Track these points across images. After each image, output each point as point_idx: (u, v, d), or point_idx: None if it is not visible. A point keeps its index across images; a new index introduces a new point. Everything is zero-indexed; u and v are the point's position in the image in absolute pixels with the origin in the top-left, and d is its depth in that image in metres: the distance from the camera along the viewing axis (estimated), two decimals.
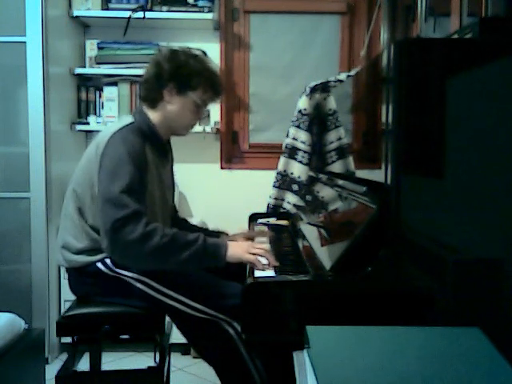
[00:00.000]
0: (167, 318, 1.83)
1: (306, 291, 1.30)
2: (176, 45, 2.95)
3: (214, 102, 1.87)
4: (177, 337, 1.94)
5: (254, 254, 1.62)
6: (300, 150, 2.54)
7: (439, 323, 1.19)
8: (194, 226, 2.14)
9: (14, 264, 2.64)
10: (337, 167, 1.93)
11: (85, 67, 3.01)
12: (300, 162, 2.54)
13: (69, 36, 2.90)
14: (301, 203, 2.42)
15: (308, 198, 2.30)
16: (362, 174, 1.60)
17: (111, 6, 2.91)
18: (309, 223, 1.98)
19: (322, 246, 1.62)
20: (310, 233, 1.82)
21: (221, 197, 3.11)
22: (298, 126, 2.53)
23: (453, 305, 1.22)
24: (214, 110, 2.96)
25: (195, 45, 2.93)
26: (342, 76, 2.44)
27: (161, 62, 1.77)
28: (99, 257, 1.71)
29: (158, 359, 1.84)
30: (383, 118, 1.28)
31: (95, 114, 3.00)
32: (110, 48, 2.96)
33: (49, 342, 2.64)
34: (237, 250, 1.64)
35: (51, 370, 2.11)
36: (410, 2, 2.27)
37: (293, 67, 3.14)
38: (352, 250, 1.32)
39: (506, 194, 1.24)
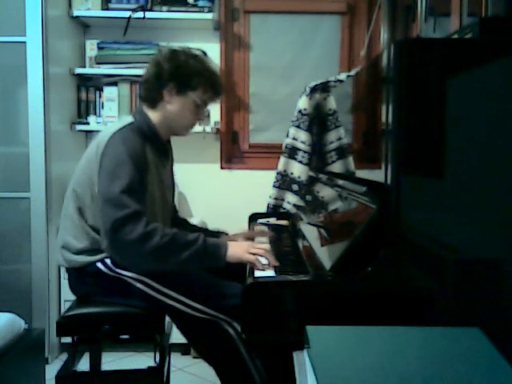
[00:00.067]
0: (167, 318, 1.83)
1: (306, 291, 1.30)
2: (176, 45, 2.96)
3: (213, 102, 1.87)
4: (177, 337, 1.94)
5: (254, 254, 1.62)
6: (300, 149, 2.54)
7: (439, 323, 1.19)
8: (194, 226, 2.14)
9: (14, 264, 2.64)
10: (337, 167, 1.93)
11: (85, 67, 3.01)
12: (300, 162, 2.54)
13: (69, 36, 2.90)
14: (301, 203, 2.42)
15: (308, 198, 2.30)
16: (362, 174, 1.60)
17: (111, 6, 2.91)
18: (309, 223, 1.98)
19: (322, 246, 1.62)
20: (310, 233, 1.82)
21: (221, 197, 3.11)
22: (298, 126, 2.53)
23: (453, 305, 1.22)
24: (214, 110, 2.96)
25: (195, 45, 2.93)
26: (342, 76, 2.44)
27: (161, 62, 1.77)
28: (99, 257, 1.71)
29: (158, 359, 1.84)
30: (383, 118, 1.28)
31: (95, 113, 3.00)
32: (110, 48, 2.96)
33: (49, 342, 2.64)
34: (237, 250, 1.64)
35: (51, 370, 2.11)
36: (410, 2, 2.27)
37: (293, 67, 3.14)
38: (352, 250, 1.32)
39: (506, 194, 1.24)
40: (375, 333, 1.03)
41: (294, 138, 2.55)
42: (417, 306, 1.25)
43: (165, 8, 2.88)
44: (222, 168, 3.13)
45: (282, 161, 2.59)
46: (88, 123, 2.98)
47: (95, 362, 1.85)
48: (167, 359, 2.01)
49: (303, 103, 2.51)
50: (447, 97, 1.23)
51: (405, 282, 1.27)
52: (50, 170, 2.63)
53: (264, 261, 1.59)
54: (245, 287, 1.32)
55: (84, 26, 3.05)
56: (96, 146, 1.73)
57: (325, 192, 1.98)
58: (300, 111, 2.52)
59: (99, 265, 1.72)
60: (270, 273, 1.53)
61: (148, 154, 1.75)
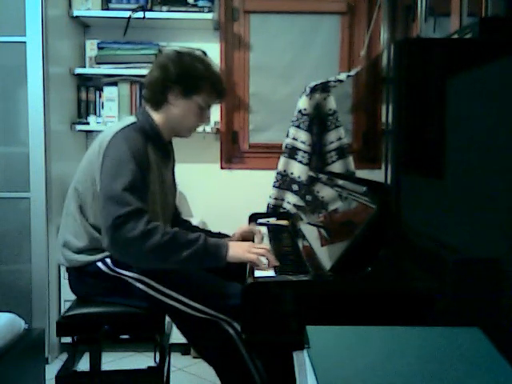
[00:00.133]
0: (167, 318, 1.83)
1: (306, 291, 1.30)
2: (176, 45, 2.98)
3: (216, 104, 1.89)
4: (177, 337, 1.94)
5: (254, 254, 1.62)
6: (300, 149, 2.54)
7: (439, 323, 1.19)
8: (196, 227, 2.14)
9: (14, 264, 2.64)
10: (337, 167, 1.93)
11: (85, 67, 3.01)
12: (300, 162, 2.54)
13: (69, 36, 2.90)
14: (301, 203, 2.42)
15: (308, 198, 2.30)
16: (362, 173, 1.60)
17: (111, 6, 2.91)
18: (309, 223, 1.98)
19: (322, 246, 1.62)
20: (310, 233, 1.82)
21: (221, 197, 3.11)
22: (298, 126, 2.53)
23: (453, 305, 1.23)
24: (214, 110, 2.96)
25: (195, 45, 2.93)
26: (342, 76, 2.44)
27: (167, 64, 1.76)
28: (99, 256, 1.72)
29: (158, 359, 1.84)
30: (383, 118, 1.28)
31: (95, 113, 3.00)
32: (110, 48, 2.96)
33: (49, 342, 2.64)
34: (237, 250, 1.64)
35: (51, 370, 2.10)
36: (410, 2, 2.27)
37: (293, 67, 3.14)
38: (352, 250, 1.32)
39: (505, 194, 1.24)
40: (375, 333, 1.03)
41: (294, 138, 2.55)
42: (417, 306, 1.25)
43: (165, 8, 2.88)
44: (221, 168, 3.13)
45: (282, 161, 2.59)
46: (88, 123, 2.98)
47: (95, 361, 1.85)
48: (167, 359, 2.01)
49: (303, 103, 2.51)
50: (447, 97, 1.23)
51: (405, 282, 1.27)
52: (50, 169, 2.63)
53: (264, 261, 1.59)
54: (245, 287, 1.32)
55: (84, 25, 3.05)
56: (98, 146, 1.73)
57: (325, 192, 1.98)
58: (300, 111, 2.52)
59: (99, 264, 1.72)
60: (270, 273, 1.53)
61: (150, 154, 1.75)
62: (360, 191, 1.45)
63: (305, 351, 0.99)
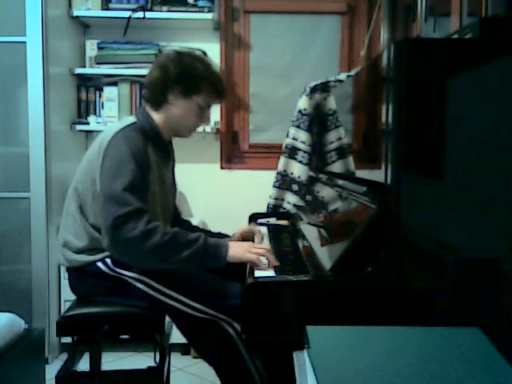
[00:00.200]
0: (167, 318, 1.83)
1: (306, 291, 1.30)
2: (176, 45, 2.98)
3: (216, 104, 1.90)
4: (177, 337, 1.94)
5: (254, 254, 1.62)
6: (300, 149, 2.54)
7: (439, 323, 1.19)
8: (196, 227, 2.14)
9: (14, 264, 2.64)
10: (337, 167, 1.93)
11: (85, 67, 3.01)
12: (300, 162, 2.54)
13: (69, 36, 2.90)
14: (301, 203, 2.42)
15: (308, 198, 2.30)
16: (362, 174, 1.60)
17: (111, 5, 2.91)
18: (309, 223, 1.98)
19: (322, 246, 1.62)
20: (310, 233, 1.82)
21: (221, 197, 3.11)
22: (298, 126, 2.53)
23: (453, 305, 1.23)
24: (214, 110, 2.96)
25: (195, 45, 2.93)
26: (342, 76, 2.44)
27: (167, 64, 1.76)
28: (99, 256, 1.72)
29: (158, 359, 1.84)
30: (383, 118, 1.28)
31: (95, 113, 3.00)
32: (110, 48, 2.96)
33: (49, 342, 2.64)
34: (237, 250, 1.64)
35: (51, 370, 2.11)
36: (410, 2, 2.27)
37: (293, 67, 3.15)
38: (352, 250, 1.32)
39: (505, 194, 1.24)
40: (375, 333, 1.03)
41: (294, 138, 2.55)
42: (417, 306, 1.25)
43: (165, 8, 2.88)
44: (222, 168, 3.13)
45: (282, 161, 2.59)
46: (88, 123, 2.98)
47: (95, 361, 1.85)
48: (167, 359, 2.01)
49: (303, 103, 2.51)
50: (447, 97, 1.23)
51: (405, 282, 1.27)
52: (50, 169, 2.63)
53: (264, 261, 1.59)
54: (245, 287, 1.32)
55: (84, 26, 3.05)
56: (98, 146, 1.73)
57: (325, 192, 1.98)
58: (300, 111, 2.52)
59: (99, 264, 1.72)
60: (270, 273, 1.53)
61: (150, 154, 1.76)
62: (360, 191, 1.45)
63: (305, 351, 0.99)
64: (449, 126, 1.23)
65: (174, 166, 2.05)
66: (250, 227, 2.09)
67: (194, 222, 2.28)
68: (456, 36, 1.50)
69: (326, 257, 1.48)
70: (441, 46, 1.26)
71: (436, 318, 1.22)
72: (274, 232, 2.22)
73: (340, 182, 1.78)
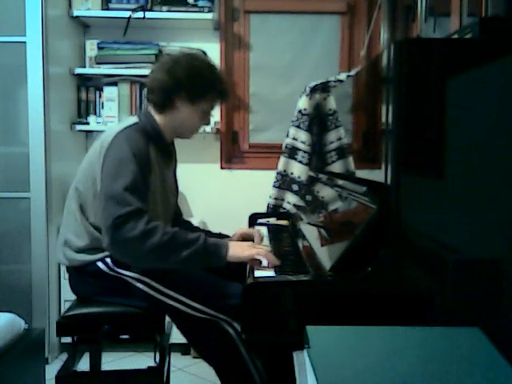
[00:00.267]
0: (167, 318, 1.83)
1: (306, 291, 1.30)
2: (176, 45, 2.98)
3: (218, 105, 1.92)
4: (177, 337, 1.94)
5: (254, 254, 1.62)
6: (300, 149, 2.54)
7: (439, 323, 1.19)
8: (196, 227, 2.14)
9: (14, 264, 2.64)
10: (337, 167, 1.93)
11: (85, 67, 3.01)
12: (300, 162, 2.54)
13: (69, 36, 2.90)
14: (301, 203, 2.42)
15: (308, 197, 2.30)
16: (362, 174, 1.60)
17: (111, 5, 2.91)
18: (309, 223, 1.98)
19: (322, 246, 1.62)
20: (310, 233, 1.82)
21: (221, 197, 3.11)
22: (298, 126, 2.53)
23: (453, 305, 1.22)
24: (215, 111, 2.96)
25: (195, 45, 2.96)
26: (342, 76, 2.44)
27: (175, 69, 1.76)
28: (100, 256, 1.72)
29: (158, 359, 1.84)
30: (383, 118, 1.28)
31: (95, 114, 3.00)
32: (110, 48, 2.96)
33: (49, 342, 2.64)
34: (237, 250, 1.64)
35: (51, 370, 2.11)
36: (410, 2, 2.27)
37: (293, 67, 3.14)
38: (352, 250, 1.32)
39: (505, 194, 1.24)
40: (375, 333, 1.03)
41: (294, 138, 2.55)
42: (417, 306, 1.25)
43: (165, 8, 2.88)
44: (222, 168, 3.13)
45: (282, 161, 2.59)
46: (88, 123, 2.98)
47: (95, 361, 1.85)
48: (167, 359, 2.02)
49: (303, 103, 2.51)
50: (447, 97, 1.23)
51: (405, 282, 1.27)
52: (50, 170, 2.63)
53: (265, 261, 1.59)
54: (245, 287, 1.32)
55: (84, 25, 3.05)
56: (100, 146, 1.73)
57: (325, 192, 1.98)
58: (300, 111, 2.52)
59: (100, 264, 1.72)
60: (270, 273, 1.53)
61: (151, 154, 1.76)
62: (360, 191, 1.45)
63: (305, 351, 0.99)
64: (449, 126, 1.23)
65: (175, 166, 2.05)
66: (250, 230, 2.08)
67: (194, 222, 2.28)
68: (456, 36, 1.50)
69: (325, 257, 1.48)
70: (441, 45, 1.26)
71: (436, 317, 1.22)
72: (274, 232, 2.22)
73: (340, 182, 1.78)
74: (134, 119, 1.81)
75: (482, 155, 1.23)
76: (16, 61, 2.57)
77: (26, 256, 2.63)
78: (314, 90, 2.47)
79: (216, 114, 3.02)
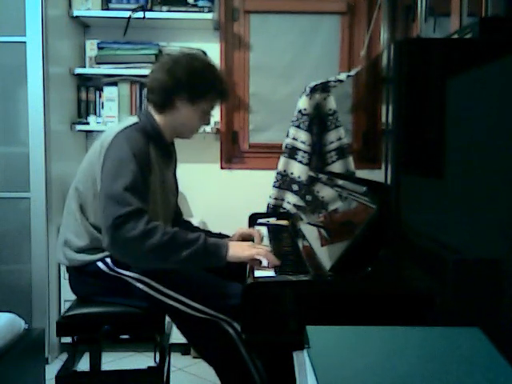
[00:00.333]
0: (167, 318, 1.83)
1: (306, 291, 1.30)
2: (176, 45, 2.98)
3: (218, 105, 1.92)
4: (177, 337, 1.94)
5: (254, 254, 1.62)
6: (300, 149, 2.54)
7: (439, 323, 1.19)
8: (197, 227, 2.14)
9: (14, 264, 2.64)
10: (337, 167, 1.93)
11: (85, 67, 3.01)
12: (300, 162, 2.54)
13: (69, 36, 2.90)
14: (301, 203, 2.42)
15: (308, 197, 2.30)
16: (362, 174, 1.60)
17: (111, 5, 2.91)
18: (309, 223, 1.98)
19: (322, 246, 1.62)
20: (310, 233, 1.82)
21: (221, 197, 3.11)
22: (298, 126, 2.53)
23: (453, 305, 1.22)
24: (215, 111, 2.96)
25: (195, 45, 2.96)
26: (342, 76, 2.44)
27: (175, 70, 1.75)
28: (100, 256, 1.72)
29: (158, 359, 1.84)
30: (383, 118, 1.28)
31: (95, 114, 3.00)
32: (110, 48, 2.96)
33: (49, 342, 2.64)
34: (237, 250, 1.64)
35: (51, 370, 2.11)
36: (409, 2, 2.27)
37: (293, 67, 3.14)
38: (352, 250, 1.32)
39: (506, 194, 1.24)
40: (375, 333, 1.03)
41: (294, 138, 2.55)
42: (417, 306, 1.25)
43: (165, 8, 2.88)
44: (222, 168, 3.13)
45: (282, 161, 2.59)
46: (88, 123, 2.98)
47: (95, 361, 1.85)
48: (167, 359, 2.02)
49: (303, 103, 2.51)
50: (447, 97, 1.23)
51: (405, 282, 1.27)
52: (50, 170, 2.63)
53: (265, 261, 1.59)
54: (245, 287, 1.32)
55: (84, 25, 3.05)
56: (100, 146, 1.73)
57: (325, 192, 1.98)
58: (300, 111, 2.52)
59: (100, 264, 1.72)
60: (270, 273, 1.53)
61: (151, 154, 1.76)
62: (360, 191, 1.45)
63: (305, 351, 0.99)
64: (449, 126, 1.23)
65: (175, 166, 2.05)
66: (250, 230, 2.08)
67: (194, 222, 2.28)
68: (456, 36, 1.50)
69: (325, 257, 1.48)
70: (441, 45, 1.26)
71: (436, 318, 1.22)
72: (274, 232, 2.22)
73: (340, 182, 1.78)
74: (134, 119, 1.81)
75: (482, 155, 1.23)
76: (16, 61, 2.57)
77: (26, 256, 2.63)
78: (314, 90, 2.47)
79: (216, 114, 3.02)
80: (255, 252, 1.61)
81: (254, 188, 2.96)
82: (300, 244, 1.88)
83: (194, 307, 1.67)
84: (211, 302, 1.67)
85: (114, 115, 2.96)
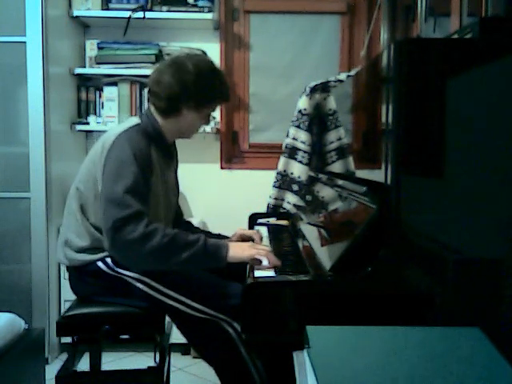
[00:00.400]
0: (167, 318, 1.83)
1: (306, 291, 1.30)
2: (176, 45, 2.98)
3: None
4: (177, 337, 1.94)
5: (255, 254, 1.62)
6: (300, 149, 2.54)
7: (439, 323, 1.19)
8: (197, 228, 2.14)
9: (14, 264, 2.64)
10: (337, 167, 1.93)
11: (85, 67, 3.01)
12: (300, 162, 2.54)
13: (69, 36, 2.90)
14: (301, 203, 2.42)
15: (308, 197, 2.30)
16: (362, 174, 1.60)
17: (111, 5, 2.91)
18: (309, 223, 1.98)
19: (322, 246, 1.62)
20: (310, 233, 1.82)
21: (221, 197, 3.11)
22: (298, 126, 2.53)
23: (453, 305, 1.22)
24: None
25: (195, 45, 2.96)
26: (342, 76, 2.44)
27: (185, 79, 1.73)
28: (100, 255, 1.72)
29: (158, 359, 1.84)
30: (383, 118, 1.28)
31: (95, 114, 3.00)
32: (110, 48, 2.96)
33: (49, 342, 2.64)
34: (237, 251, 1.64)
35: (51, 370, 2.11)
36: (409, 2, 2.27)
37: (293, 67, 3.14)
38: (352, 250, 1.32)
39: (505, 194, 1.24)
40: (375, 333, 1.03)
41: (294, 138, 2.55)
42: (417, 306, 1.25)
43: (165, 8, 2.88)
44: (222, 168, 3.13)
45: (282, 161, 2.59)
46: (88, 123, 2.98)
47: (95, 361, 1.85)
48: (167, 359, 2.02)
49: (303, 103, 2.51)
50: (447, 97, 1.23)
51: (405, 282, 1.27)
52: (49, 170, 2.63)
53: (265, 261, 1.59)
54: (245, 287, 1.32)
55: (84, 26, 3.05)
56: (101, 146, 1.73)
57: (325, 192, 1.98)
58: (300, 111, 2.52)
59: (100, 264, 1.72)
60: (270, 273, 1.53)
61: (153, 155, 1.76)
62: (360, 191, 1.45)
63: (305, 351, 0.99)
64: (449, 126, 1.23)
65: (176, 167, 2.05)
66: (250, 231, 2.08)
67: (194, 222, 2.28)
68: (456, 36, 1.50)
69: (325, 257, 1.48)
70: (441, 45, 1.26)
71: (436, 318, 1.22)
72: (274, 232, 2.22)
73: (340, 182, 1.78)
74: (135, 120, 1.81)
75: (482, 155, 1.23)
76: (16, 61, 2.57)
77: (26, 256, 2.63)
78: (314, 90, 2.47)
79: (216, 114, 3.02)
80: (255, 252, 1.61)
81: (254, 188, 2.96)
82: (300, 244, 1.88)
83: (193, 307, 1.67)
84: (211, 302, 1.67)
85: (113, 115, 2.96)
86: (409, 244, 1.25)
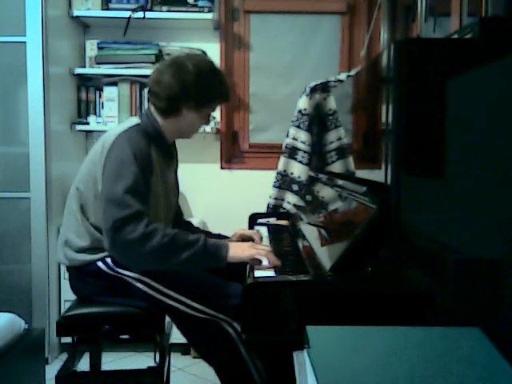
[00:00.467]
0: (167, 318, 1.83)
1: (305, 291, 1.30)
2: (176, 45, 2.98)
3: None
4: (177, 337, 1.94)
5: (255, 254, 1.62)
6: (300, 149, 2.54)
7: (439, 323, 1.19)
8: (197, 228, 2.14)
9: (14, 264, 2.64)
10: (337, 167, 1.93)
11: (85, 67, 3.01)
12: (300, 162, 2.54)
13: (69, 36, 2.90)
14: (301, 203, 2.42)
15: (308, 198, 2.30)
16: (362, 174, 1.60)
17: (111, 5, 2.91)
18: (309, 223, 1.98)
19: (322, 246, 1.62)
20: (310, 233, 1.82)
21: (221, 197, 3.11)
22: (298, 126, 2.53)
23: (453, 305, 1.22)
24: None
25: (195, 45, 2.96)
26: (342, 76, 2.44)
27: (183, 78, 1.73)
28: (100, 255, 1.72)
29: (158, 359, 1.84)
30: (383, 118, 1.28)
31: (95, 114, 3.00)
32: (110, 48, 2.96)
33: (49, 342, 2.64)
34: (237, 251, 1.64)
35: (51, 370, 2.11)
36: (409, 2, 2.27)
37: (293, 67, 3.14)
38: (352, 250, 1.32)
39: (505, 194, 1.24)
40: (375, 333, 1.03)
41: (294, 138, 2.55)
42: (417, 306, 1.25)
43: (165, 8, 2.88)
44: (222, 168, 3.13)
45: (282, 161, 2.59)
46: (88, 123, 2.98)
47: (95, 361, 1.85)
48: (167, 359, 2.02)
49: (303, 103, 2.51)
50: (447, 97, 1.23)
51: (405, 282, 1.27)
52: (50, 170, 2.63)
53: (265, 261, 1.59)
54: (245, 287, 1.32)
55: (84, 26, 3.05)
56: (101, 146, 1.73)
57: (325, 192, 1.98)
58: (300, 111, 2.52)
59: (100, 264, 1.72)
60: (270, 273, 1.53)
61: (153, 155, 1.76)
62: (360, 191, 1.45)
63: (305, 351, 0.99)
64: (449, 126, 1.23)
65: (176, 167, 2.05)
66: (249, 231, 2.08)
67: (194, 222, 2.28)
68: (456, 36, 1.50)
69: (325, 257, 1.48)
70: (441, 45, 1.26)
71: (436, 318, 1.22)
72: (274, 232, 2.22)
73: (340, 182, 1.78)
74: (135, 120, 1.81)
75: (482, 155, 1.23)
76: (16, 61, 2.57)
77: (26, 256, 2.63)
78: (314, 89, 2.47)
79: (216, 114, 3.02)
80: (255, 252, 1.61)
81: (254, 188, 2.96)
82: (300, 244, 1.88)
83: (193, 307, 1.67)
84: (211, 302, 1.67)
85: (113, 115, 2.96)
86: (409, 244, 1.25)
